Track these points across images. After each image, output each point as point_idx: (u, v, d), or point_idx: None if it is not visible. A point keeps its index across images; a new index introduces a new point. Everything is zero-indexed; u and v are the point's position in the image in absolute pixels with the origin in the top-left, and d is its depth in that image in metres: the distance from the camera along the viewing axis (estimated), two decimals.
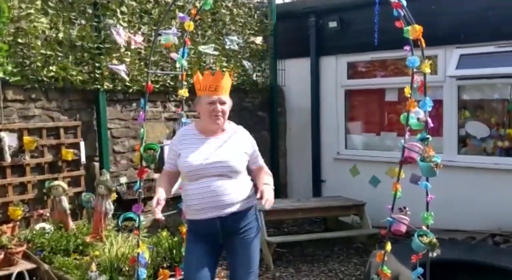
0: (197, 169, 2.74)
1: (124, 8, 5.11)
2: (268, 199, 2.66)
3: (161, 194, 2.72)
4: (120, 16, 5.07)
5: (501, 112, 5.85)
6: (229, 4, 6.36)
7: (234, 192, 2.77)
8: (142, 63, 5.30)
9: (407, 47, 2.97)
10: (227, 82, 2.84)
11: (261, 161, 2.99)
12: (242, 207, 2.80)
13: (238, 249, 2.86)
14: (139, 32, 5.09)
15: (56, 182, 4.54)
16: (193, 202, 2.77)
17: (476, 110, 6.00)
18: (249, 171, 2.96)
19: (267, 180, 2.85)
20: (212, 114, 2.78)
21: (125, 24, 5.07)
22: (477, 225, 5.58)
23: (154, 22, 5.38)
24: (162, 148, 3.45)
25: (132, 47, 3.70)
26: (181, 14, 3.39)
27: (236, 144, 2.85)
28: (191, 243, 2.90)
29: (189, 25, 3.37)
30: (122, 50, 5.08)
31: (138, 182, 3.37)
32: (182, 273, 3.65)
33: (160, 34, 3.52)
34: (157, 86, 5.39)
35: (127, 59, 5.14)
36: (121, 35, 3.92)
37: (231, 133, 2.89)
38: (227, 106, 2.83)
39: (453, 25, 5.76)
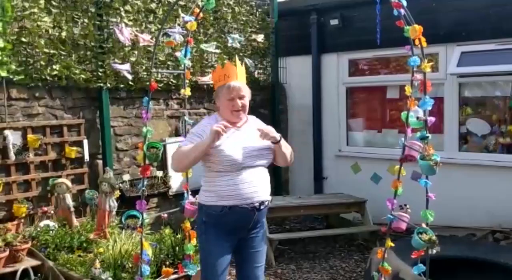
0: (240, 161, 2.75)
1: (128, 7, 5.13)
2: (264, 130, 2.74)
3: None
4: (124, 15, 5.09)
5: (502, 109, 5.87)
6: (231, 2, 6.38)
7: (267, 183, 2.92)
8: (151, 63, 5.33)
9: (407, 47, 2.99)
10: (238, 67, 2.88)
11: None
12: (270, 198, 2.93)
13: (255, 243, 2.92)
14: (146, 31, 5.13)
15: (60, 180, 4.57)
16: (235, 193, 2.75)
17: (477, 107, 6.02)
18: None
19: None
20: (233, 110, 2.84)
21: (130, 23, 5.10)
22: (478, 222, 5.61)
23: (160, 21, 5.40)
24: (165, 147, 3.48)
25: (141, 44, 3.73)
26: (186, 17, 3.40)
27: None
28: (214, 241, 2.83)
29: (192, 25, 3.39)
30: (127, 48, 5.11)
31: (142, 180, 3.40)
32: (185, 270, 3.71)
33: (166, 33, 3.55)
34: (160, 85, 5.42)
35: (133, 58, 5.17)
36: (124, 33, 3.95)
37: (252, 122, 2.97)
38: (247, 99, 2.88)
39: (454, 23, 5.78)
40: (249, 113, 3.00)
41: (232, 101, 2.82)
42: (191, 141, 2.80)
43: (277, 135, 2.79)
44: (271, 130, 2.80)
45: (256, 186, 2.80)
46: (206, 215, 2.87)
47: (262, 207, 2.84)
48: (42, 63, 4.55)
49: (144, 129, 3.41)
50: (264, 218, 2.98)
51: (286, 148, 2.90)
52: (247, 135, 2.86)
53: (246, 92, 2.88)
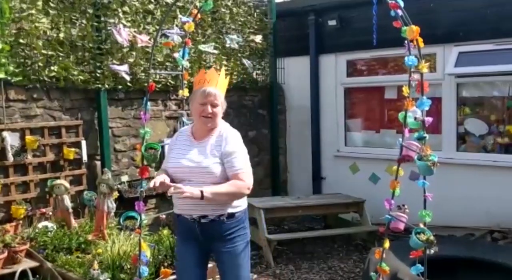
0: (178, 172, 2.79)
1: (126, 8, 5.14)
2: (177, 188, 2.57)
3: (160, 177, 2.68)
4: (122, 16, 5.09)
5: (500, 109, 5.87)
6: (229, 3, 6.39)
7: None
8: (149, 64, 5.34)
9: (405, 47, 2.99)
10: (221, 77, 2.87)
11: (237, 166, 2.73)
12: (222, 213, 2.75)
13: (224, 257, 2.85)
14: (144, 32, 5.13)
15: (58, 181, 4.57)
16: (177, 203, 2.84)
17: (475, 107, 6.03)
18: None
19: (220, 186, 2.68)
20: (201, 115, 2.78)
21: (129, 24, 5.10)
22: (476, 221, 5.61)
23: (158, 22, 5.40)
24: (163, 147, 3.48)
25: (139, 45, 3.73)
26: (184, 18, 3.40)
27: (214, 151, 2.77)
28: (180, 247, 2.99)
29: (190, 26, 3.39)
30: (126, 50, 5.11)
31: (141, 182, 3.40)
32: None
33: (164, 34, 3.55)
34: (158, 85, 5.42)
35: (131, 59, 5.17)
36: (122, 34, 3.95)
37: (218, 137, 2.81)
38: (219, 109, 2.81)
39: (452, 23, 5.79)
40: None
41: (204, 106, 2.76)
42: (166, 160, 2.96)
43: (195, 196, 2.58)
44: (190, 192, 2.57)
45: (192, 200, 2.65)
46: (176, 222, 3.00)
47: (203, 221, 2.73)
48: (40, 64, 4.56)
49: (142, 130, 3.40)
50: (237, 232, 2.81)
51: (220, 194, 2.68)
52: (201, 151, 2.77)
53: (221, 102, 2.82)
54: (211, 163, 2.73)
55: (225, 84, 2.92)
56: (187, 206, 2.77)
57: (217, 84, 2.83)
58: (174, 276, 3.78)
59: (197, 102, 2.79)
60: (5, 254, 3.73)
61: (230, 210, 2.78)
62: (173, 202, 2.90)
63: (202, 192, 2.60)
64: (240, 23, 6.57)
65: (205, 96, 2.77)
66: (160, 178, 2.68)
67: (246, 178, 2.75)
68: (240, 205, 2.84)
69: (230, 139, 2.81)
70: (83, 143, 4.91)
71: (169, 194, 2.66)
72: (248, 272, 2.96)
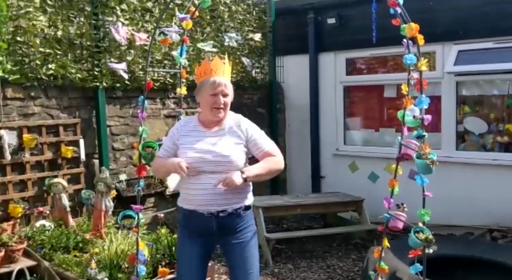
0: (196, 165, 2.67)
1: (124, 6, 5.12)
2: (227, 179, 2.58)
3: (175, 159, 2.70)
4: (120, 13, 5.07)
5: (500, 107, 5.86)
6: (228, 1, 6.37)
7: (233, 190, 2.68)
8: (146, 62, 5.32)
9: (404, 45, 2.97)
10: (226, 65, 2.81)
11: (266, 146, 2.81)
12: (240, 206, 2.76)
13: (235, 250, 2.81)
14: (142, 30, 5.11)
15: (56, 180, 4.55)
16: (192, 198, 2.73)
17: (475, 106, 6.02)
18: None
19: (256, 165, 2.76)
20: (213, 107, 2.72)
21: (127, 22, 5.08)
22: (475, 220, 5.60)
23: (156, 20, 5.38)
24: (160, 146, 3.46)
25: (137, 43, 3.72)
26: (181, 15, 3.38)
27: (235, 138, 2.77)
28: (185, 242, 2.85)
29: (188, 24, 3.37)
30: (124, 48, 5.09)
31: (139, 181, 3.38)
32: None
33: (163, 32, 3.53)
34: (156, 84, 5.40)
35: (129, 58, 5.15)
36: (120, 32, 3.93)
37: (231, 125, 2.80)
38: (229, 98, 2.78)
39: (452, 21, 5.77)
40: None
41: (215, 97, 2.71)
42: (165, 148, 2.87)
43: (238, 181, 2.60)
44: (232, 179, 2.59)
45: (214, 193, 2.66)
46: (180, 216, 2.91)
47: (221, 215, 2.71)
48: (38, 62, 4.54)
49: (140, 129, 3.39)
50: (247, 223, 2.83)
51: (261, 174, 2.74)
52: (218, 140, 2.74)
53: (230, 91, 2.78)
54: (237, 153, 2.73)
55: (230, 71, 2.87)
56: (205, 201, 2.69)
57: (224, 73, 2.78)
58: (172, 276, 3.78)
59: (207, 93, 2.73)
60: (2, 253, 3.71)
61: (246, 203, 2.81)
62: (183, 197, 2.80)
63: (244, 177, 2.62)
64: (239, 21, 6.55)
65: (215, 86, 2.72)
66: (184, 163, 2.63)
67: (278, 153, 2.85)
68: (252, 197, 2.87)
69: (248, 123, 2.86)
70: (81, 141, 4.89)
71: (219, 187, 2.61)
72: (257, 261, 2.91)
